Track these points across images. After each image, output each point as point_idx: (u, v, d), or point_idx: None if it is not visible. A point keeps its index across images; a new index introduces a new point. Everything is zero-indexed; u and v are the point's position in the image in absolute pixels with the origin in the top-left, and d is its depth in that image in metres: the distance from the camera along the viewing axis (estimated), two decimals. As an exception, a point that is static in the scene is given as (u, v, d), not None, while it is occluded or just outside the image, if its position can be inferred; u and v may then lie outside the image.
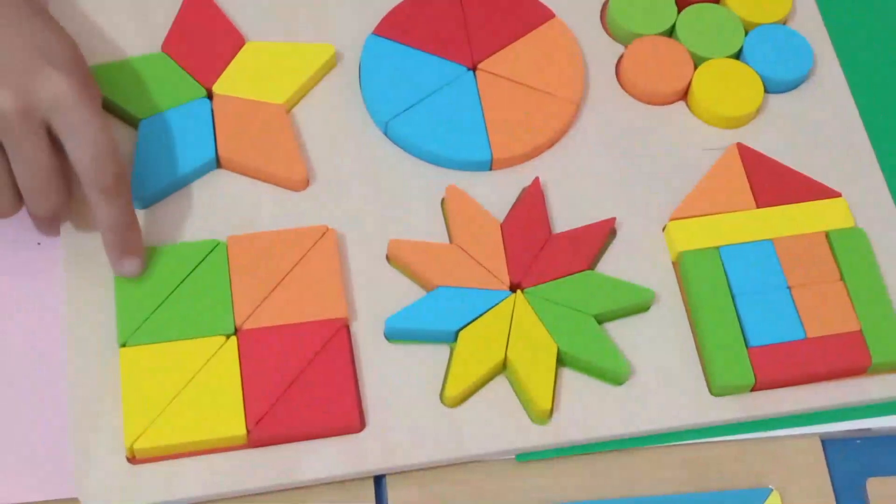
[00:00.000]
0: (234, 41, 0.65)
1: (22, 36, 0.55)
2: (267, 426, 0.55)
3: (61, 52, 0.56)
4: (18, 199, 0.57)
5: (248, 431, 0.55)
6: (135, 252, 0.57)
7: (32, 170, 0.55)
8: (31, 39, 0.55)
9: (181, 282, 0.57)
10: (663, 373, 0.59)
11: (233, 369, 0.56)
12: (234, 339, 0.56)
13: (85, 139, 0.54)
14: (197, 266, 0.58)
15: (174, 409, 0.54)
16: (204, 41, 0.64)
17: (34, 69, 0.54)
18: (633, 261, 0.62)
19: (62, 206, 0.57)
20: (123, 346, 0.56)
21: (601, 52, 0.68)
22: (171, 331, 0.56)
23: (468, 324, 0.58)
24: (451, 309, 0.58)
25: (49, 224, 0.60)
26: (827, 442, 0.59)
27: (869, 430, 0.59)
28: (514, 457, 0.57)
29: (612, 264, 0.61)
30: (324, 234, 0.60)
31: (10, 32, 0.55)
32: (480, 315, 0.58)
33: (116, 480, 0.54)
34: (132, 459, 0.55)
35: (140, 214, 0.60)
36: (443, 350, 0.58)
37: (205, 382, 0.55)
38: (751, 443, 0.58)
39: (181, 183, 0.61)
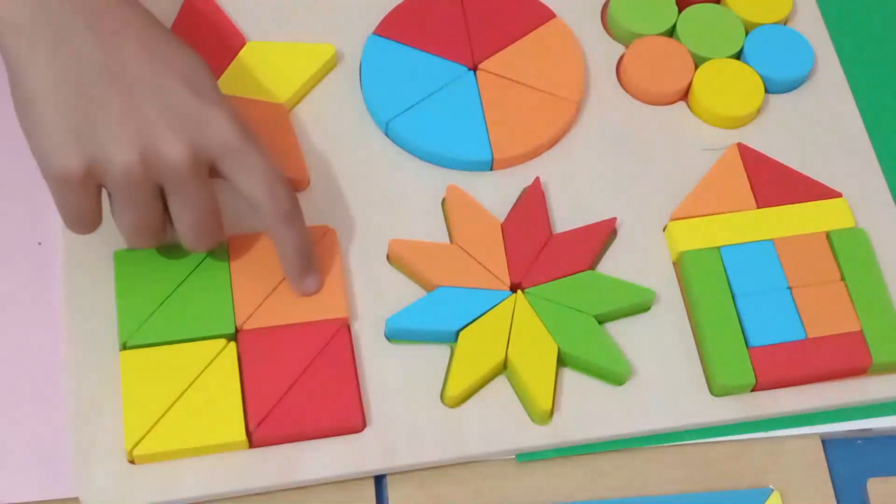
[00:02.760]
0: (234, 41, 0.65)
1: (172, 68, 0.53)
2: (269, 427, 0.55)
3: (208, 81, 0.55)
4: (163, 235, 0.56)
5: (250, 433, 0.55)
6: (314, 271, 0.58)
7: (200, 214, 0.54)
8: (180, 72, 0.53)
9: (182, 282, 0.57)
10: (664, 373, 0.58)
11: (233, 374, 0.56)
12: (233, 343, 0.56)
13: (259, 175, 0.54)
14: (197, 266, 0.58)
15: (174, 415, 0.54)
16: (204, 41, 0.64)
17: (198, 113, 0.53)
18: (634, 261, 0.61)
19: (220, 242, 0.57)
20: (124, 346, 0.56)
21: (602, 52, 0.68)
22: (171, 331, 0.56)
23: (469, 324, 0.58)
24: (452, 309, 0.58)
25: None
26: (827, 442, 0.59)
27: (869, 430, 0.59)
28: (514, 457, 0.57)
29: (613, 264, 0.61)
30: (324, 234, 0.60)
31: (160, 69, 0.53)
32: (481, 315, 0.58)
33: (116, 480, 0.54)
34: (132, 462, 0.55)
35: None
36: (443, 350, 0.58)
37: (205, 387, 0.55)
38: (751, 443, 0.58)
39: None
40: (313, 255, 0.58)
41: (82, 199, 0.53)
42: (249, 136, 0.54)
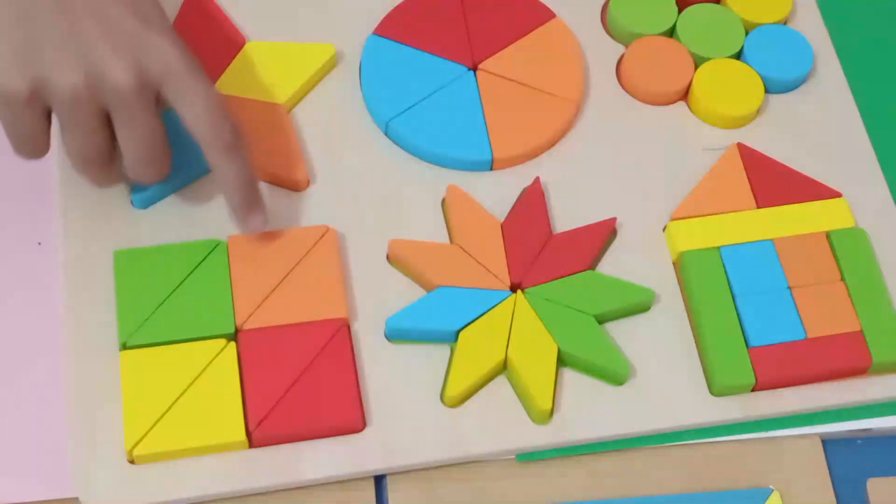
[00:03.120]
0: (234, 41, 0.65)
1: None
2: (268, 427, 0.55)
3: (154, 8, 0.56)
4: (115, 168, 0.57)
5: (250, 433, 0.55)
6: (260, 207, 0.58)
7: (147, 141, 0.55)
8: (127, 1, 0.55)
9: (182, 282, 0.57)
10: (664, 373, 0.58)
11: (233, 374, 0.55)
12: (233, 343, 0.56)
13: (201, 102, 0.55)
14: (197, 266, 0.58)
15: (174, 415, 0.54)
16: (204, 41, 0.64)
17: (141, 37, 0.54)
18: (634, 261, 0.61)
19: (165, 175, 0.57)
20: (124, 346, 0.56)
21: (602, 52, 0.68)
22: (171, 331, 0.56)
23: (469, 324, 0.58)
24: (452, 309, 0.58)
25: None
26: (827, 442, 0.59)
27: (870, 430, 0.59)
28: (514, 457, 0.57)
29: (613, 264, 0.61)
30: (324, 234, 0.60)
31: None
32: (481, 315, 0.58)
33: (116, 480, 0.54)
34: (132, 462, 0.55)
35: (140, 214, 0.60)
36: (443, 350, 0.58)
37: (204, 387, 0.55)
38: (751, 443, 0.58)
39: (182, 182, 0.61)
40: (257, 191, 0.58)
41: (29, 121, 0.54)
42: (193, 63, 0.55)
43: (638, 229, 0.62)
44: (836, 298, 0.60)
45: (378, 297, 0.59)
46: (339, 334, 0.57)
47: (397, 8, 0.67)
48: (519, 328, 0.58)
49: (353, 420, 0.55)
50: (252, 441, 0.55)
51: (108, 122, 0.55)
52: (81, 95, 0.53)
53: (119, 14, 0.54)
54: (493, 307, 0.58)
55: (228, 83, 0.63)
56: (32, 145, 0.55)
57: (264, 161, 0.61)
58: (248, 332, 0.57)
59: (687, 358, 0.59)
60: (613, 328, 0.60)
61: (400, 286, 0.60)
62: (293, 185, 0.62)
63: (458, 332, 0.58)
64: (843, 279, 0.60)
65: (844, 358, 0.58)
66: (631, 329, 0.60)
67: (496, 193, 0.63)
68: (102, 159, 0.56)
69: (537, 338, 0.58)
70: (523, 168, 0.64)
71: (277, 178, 0.62)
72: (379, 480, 0.56)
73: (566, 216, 0.62)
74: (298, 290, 0.58)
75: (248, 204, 0.58)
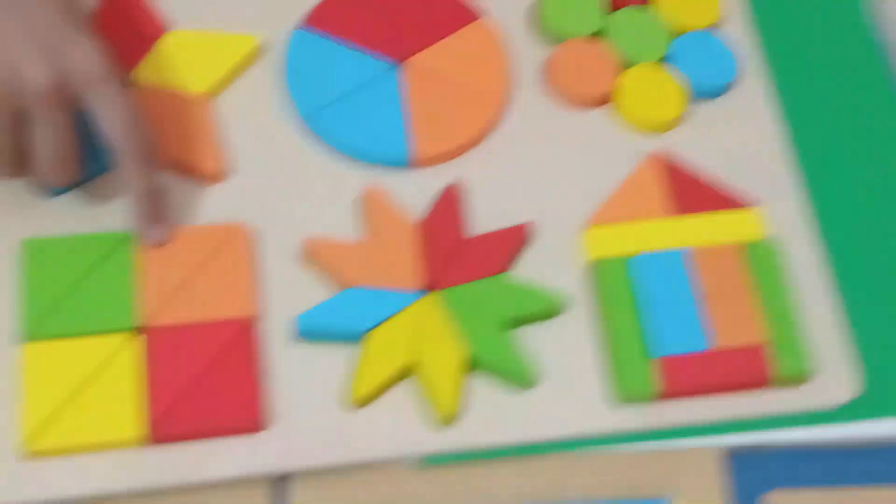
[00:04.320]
0: (155, 29, 0.64)
1: None
2: (168, 425, 0.55)
3: (78, 12, 0.55)
4: (21, 167, 0.57)
5: (149, 430, 0.55)
6: (162, 220, 0.58)
7: (59, 142, 0.55)
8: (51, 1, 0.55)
9: (86, 275, 0.57)
10: (571, 379, 0.59)
11: (134, 370, 0.55)
12: (136, 338, 0.56)
13: (118, 111, 0.55)
14: (105, 259, 0.57)
15: (73, 409, 0.54)
16: (125, 29, 0.64)
17: (63, 39, 0.54)
18: (550, 265, 0.62)
19: (76, 177, 0.57)
20: (27, 338, 0.56)
21: (531, 52, 0.68)
22: (74, 325, 0.56)
23: (378, 324, 0.58)
24: (362, 309, 0.58)
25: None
26: (730, 453, 0.59)
27: (773, 442, 0.59)
28: (419, 460, 0.57)
29: (529, 268, 0.61)
30: (237, 230, 0.59)
31: None
32: (391, 316, 0.58)
33: (10, 475, 0.54)
34: (30, 456, 0.54)
35: (48, 204, 0.60)
36: (354, 350, 0.58)
37: (105, 383, 0.55)
38: (653, 453, 0.58)
39: (95, 173, 0.61)
40: (163, 204, 0.58)
41: None
42: (114, 71, 0.55)
43: (556, 233, 0.62)
44: (744, 310, 0.60)
45: (291, 295, 0.59)
46: (244, 332, 0.57)
47: (325, 1, 0.66)
48: (428, 330, 0.58)
49: (252, 419, 0.55)
50: (153, 438, 0.55)
51: (21, 123, 0.55)
52: None
53: (41, 17, 0.54)
54: (404, 308, 0.58)
55: (146, 72, 0.63)
56: None
57: (178, 152, 0.61)
58: (154, 329, 0.57)
59: (594, 365, 0.59)
60: (524, 333, 0.60)
61: (314, 284, 0.60)
62: (207, 178, 0.61)
63: (366, 333, 0.58)
64: (752, 290, 0.61)
65: (749, 369, 0.59)
66: (542, 334, 0.60)
67: (416, 192, 0.63)
68: (12, 159, 0.55)
69: (445, 340, 0.58)
70: (445, 167, 0.64)
71: (191, 170, 0.61)
72: (282, 481, 0.56)
73: (485, 217, 0.62)
74: (207, 287, 0.58)
75: (151, 216, 0.58)
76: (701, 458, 0.59)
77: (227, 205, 0.61)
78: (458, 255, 0.60)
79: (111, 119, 0.55)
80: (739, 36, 0.69)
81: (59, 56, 0.54)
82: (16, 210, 0.59)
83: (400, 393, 0.58)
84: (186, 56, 0.64)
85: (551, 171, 0.64)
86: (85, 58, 0.54)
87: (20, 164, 0.56)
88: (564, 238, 0.62)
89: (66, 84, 0.54)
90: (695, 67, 0.67)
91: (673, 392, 0.58)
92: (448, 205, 0.62)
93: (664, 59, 0.67)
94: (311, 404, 0.57)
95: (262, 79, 0.65)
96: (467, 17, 0.67)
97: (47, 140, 0.55)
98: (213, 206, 0.61)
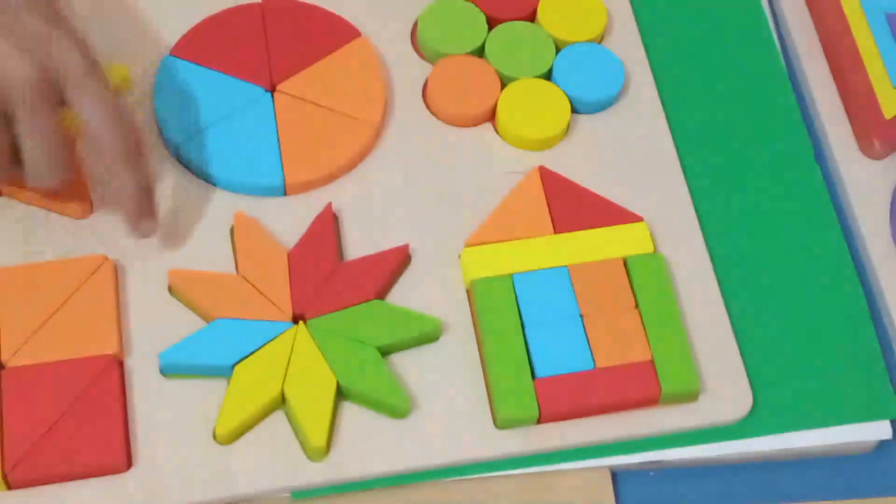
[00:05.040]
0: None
1: None
2: (25, 469, 0.53)
3: (59, 6, 0.54)
4: (9, 171, 0.55)
5: (5, 474, 0.53)
6: (152, 215, 0.57)
7: (46, 141, 0.53)
8: None
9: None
10: (449, 405, 0.57)
11: None
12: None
13: (103, 106, 0.54)
14: (-43, 299, 0.56)
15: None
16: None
17: (46, 36, 0.53)
18: (428, 289, 0.60)
19: (67, 178, 0.56)
20: None
21: (409, 71, 0.66)
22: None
23: (245, 357, 0.56)
24: (228, 342, 0.56)
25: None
26: (618, 474, 0.57)
27: (661, 461, 0.58)
28: (290, 495, 0.55)
29: (406, 293, 0.60)
30: (100, 264, 0.58)
31: None
32: (258, 348, 0.56)
33: None
34: None
35: None
36: (221, 384, 0.56)
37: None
38: (537, 476, 0.57)
39: None
40: (152, 198, 0.57)
41: None
42: (98, 67, 0.54)
43: (434, 256, 0.61)
44: (629, 327, 0.58)
45: (157, 330, 0.57)
46: (107, 370, 0.55)
47: (195, 28, 0.65)
48: (297, 361, 0.56)
49: (115, 460, 0.53)
50: (9, 483, 0.53)
51: (7, 124, 0.53)
52: None
53: (23, 13, 0.53)
54: (272, 339, 0.57)
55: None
56: None
57: (42, 189, 0.59)
58: (13, 369, 0.55)
59: (473, 389, 0.57)
60: (401, 358, 0.58)
61: (180, 319, 0.58)
62: (72, 213, 0.60)
63: (233, 366, 0.56)
64: (637, 307, 0.59)
65: (634, 388, 0.57)
66: (419, 359, 0.58)
67: (289, 220, 0.61)
68: (2, 161, 0.54)
69: (315, 371, 0.56)
70: (320, 193, 0.62)
71: (58, 205, 0.59)
72: (147, 522, 0.54)
73: (361, 243, 0.61)
74: (69, 325, 0.56)
75: (141, 212, 0.57)
76: (588, 480, 0.57)
77: (91, 241, 0.59)
78: (330, 282, 0.58)
79: (96, 115, 0.53)
80: (625, 47, 0.68)
81: (42, 53, 0.52)
82: None
83: (270, 426, 0.56)
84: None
85: (429, 193, 0.62)
86: (68, 54, 0.52)
87: (6, 165, 0.54)
88: (444, 260, 0.61)
89: (50, 80, 0.52)
90: (580, 80, 0.65)
91: (557, 414, 0.56)
92: (320, 232, 0.60)
93: (548, 73, 0.66)
94: (180, 441, 0.55)
95: (133, 109, 0.63)
96: (345, 36, 0.66)
97: (35, 138, 0.53)
98: (76, 243, 0.59)
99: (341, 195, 0.62)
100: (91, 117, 0.54)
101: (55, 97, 0.53)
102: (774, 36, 0.70)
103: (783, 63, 0.69)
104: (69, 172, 0.56)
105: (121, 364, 0.56)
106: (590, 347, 0.58)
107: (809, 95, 0.69)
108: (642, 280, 0.60)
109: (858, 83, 0.67)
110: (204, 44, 0.64)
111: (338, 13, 0.66)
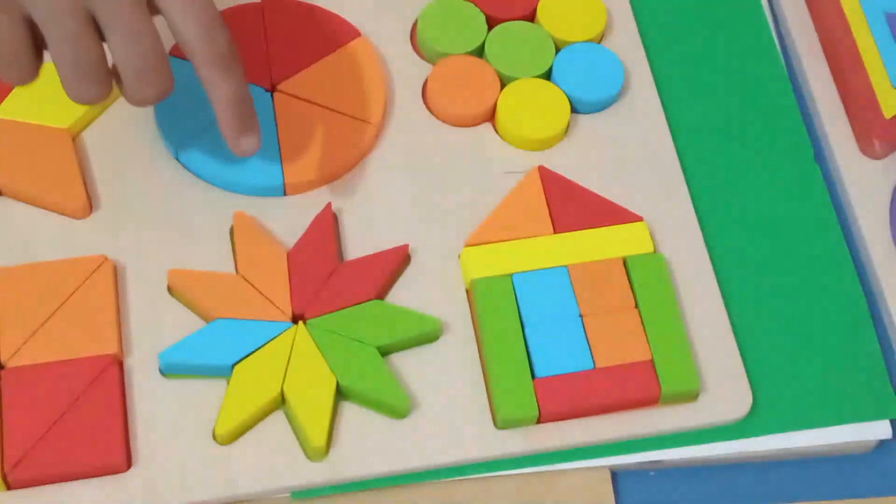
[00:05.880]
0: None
1: None
2: (25, 469, 0.53)
3: None
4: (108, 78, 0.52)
5: (5, 475, 0.53)
6: (254, 128, 0.55)
7: (140, 48, 0.50)
8: None
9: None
10: (449, 405, 0.57)
11: None
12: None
13: (195, 11, 0.51)
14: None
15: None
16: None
17: None
18: (428, 289, 0.60)
19: (169, 89, 0.53)
20: None
21: (410, 72, 0.66)
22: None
23: (244, 357, 0.56)
24: (228, 342, 0.56)
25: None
26: (618, 474, 0.57)
27: (660, 461, 0.58)
28: (290, 494, 0.55)
29: (406, 293, 0.60)
30: (100, 264, 0.58)
31: None
32: (258, 348, 0.56)
33: None
34: None
35: None
36: (221, 385, 0.56)
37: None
38: (537, 476, 0.57)
39: None
40: (251, 110, 0.55)
41: (7, 33, 0.50)
42: None
43: (434, 256, 0.61)
44: (629, 327, 0.58)
45: (156, 330, 0.57)
46: (107, 371, 0.55)
47: (195, 27, 0.65)
48: (297, 361, 0.56)
49: (115, 460, 0.53)
50: (9, 484, 0.53)
51: (97, 29, 0.50)
52: None
53: None
54: (272, 339, 0.57)
55: (11, 107, 0.61)
56: (16, 65, 0.51)
57: (43, 187, 0.59)
58: (13, 369, 0.55)
59: (473, 389, 0.57)
60: (401, 358, 0.58)
61: (180, 319, 0.58)
62: (73, 213, 0.60)
63: (233, 366, 0.56)
64: (636, 307, 0.59)
65: (634, 388, 0.57)
66: (419, 359, 0.58)
67: (289, 220, 0.61)
68: (94, 73, 0.51)
69: (315, 371, 0.56)
70: (320, 193, 0.62)
71: (57, 205, 0.59)
72: (147, 521, 0.54)
73: (361, 243, 0.61)
74: (69, 325, 0.56)
75: (242, 124, 0.55)
76: (588, 480, 0.57)
77: (91, 241, 0.59)
78: (330, 282, 0.58)
79: (187, 18, 0.51)
80: (625, 47, 0.68)
81: None
82: None
83: (270, 426, 0.56)
84: (52, 90, 0.61)
85: (429, 194, 0.62)
86: None
87: (106, 76, 0.51)
88: (444, 260, 0.61)
89: None
90: (579, 80, 0.65)
91: (557, 414, 0.56)
92: (320, 232, 0.60)
93: (548, 73, 0.66)
94: (180, 441, 0.55)
95: (132, 110, 0.63)
96: (345, 36, 0.66)
97: (128, 45, 0.50)
98: (76, 243, 0.59)
99: (341, 195, 0.62)
100: (181, 22, 0.51)
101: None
102: (774, 36, 0.70)
103: (783, 63, 0.69)
104: (168, 81, 0.52)
105: (121, 364, 0.56)
106: (589, 347, 0.58)
107: (809, 95, 0.69)
108: (642, 280, 0.60)
109: (858, 83, 0.67)
110: (204, 44, 0.64)
111: (338, 13, 0.66)
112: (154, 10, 0.52)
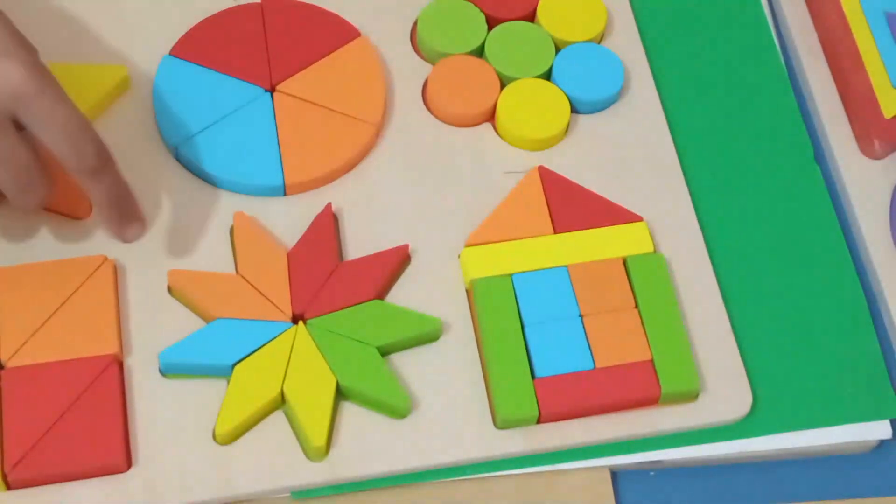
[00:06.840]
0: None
1: None
2: (25, 469, 0.53)
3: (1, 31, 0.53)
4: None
5: (5, 474, 0.53)
6: (135, 218, 0.58)
7: (13, 168, 0.53)
8: None
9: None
10: (449, 405, 0.57)
11: None
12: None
13: (56, 125, 0.52)
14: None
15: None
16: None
17: None
18: (428, 289, 0.60)
19: (49, 195, 0.55)
20: None
21: (410, 72, 0.66)
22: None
23: (244, 357, 0.56)
24: (228, 342, 0.56)
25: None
26: (618, 474, 0.57)
27: (660, 461, 0.58)
28: (290, 495, 0.55)
29: (406, 293, 0.60)
30: (101, 264, 0.58)
31: None
32: (258, 348, 0.56)
33: None
34: None
35: None
36: (221, 384, 0.56)
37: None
38: (537, 476, 0.57)
39: None
40: (130, 203, 0.57)
41: None
42: (46, 84, 0.52)
43: (434, 256, 0.61)
44: (629, 327, 0.58)
45: (156, 330, 0.57)
46: (108, 371, 0.55)
47: (194, 28, 0.65)
48: (297, 361, 0.56)
49: (115, 460, 0.53)
50: (9, 483, 0.53)
51: None
52: None
53: None
54: (272, 340, 0.57)
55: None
56: None
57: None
58: (13, 369, 0.55)
59: (473, 389, 0.57)
60: (401, 358, 0.58)
61: (180, 319, 0.58)
62: (75, 213, 0.60)
63: (233, 366, 0.56)
64: (636, 306, 0.59)
65: (634, 388, 0.57)
66: (419, 359, 0.58)
67: (289, 220, 0.61)
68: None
69: (315, 371, 0.56)
70: (318, 193, 0.62)
71: (58, 206, 0.59)
72: (147, 521, 0.54)
73: (361, 243, 0.61)
74: (69, 325, 0.56)
75: (121, 218, 0.57)
76: (588, 480, 0.57)
77: (91, 241, 0.59)
78: (330, 282, 0.58)
79: (52, 135, 0.52)
80: (625, 47, 0.68)
81: None
82: None
83: (270, 426, 0.56)
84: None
85: (429, 194, 0.62)
86: (10, 77, 0.51)
87: None
88: (444, 260, 0.61)
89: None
90: (579, 80, 0.65)
91: (557, 414, 0.56)
92: (320, 232, 0.60)
93: (548, 73, 0.66)
94: (180, 441, 0.55)
95: (132, 110, 0.63)
96: (345, 36, 0.66)
97: (3, 169, 0.53)
98: (77, 243, 0.59)
99: (341, 195, 0.62)
100: (47, 139, 0.53)
101: (8, 121, 0.52)
102: (774, 36, 0.70)
103: (783, 63, 0.69)
104: (47, 191, 0.55)
105: (121, 364, 0.56)
106: (589, 347, 0.58)
107: (809, 95, 0.69)
108: (642, 280, 0.60)
109: (858, 83, 0.67)
110: (203, 44, 0.64)
111: (338, 13, 0.66)
112: (20, 126, 0.53)
